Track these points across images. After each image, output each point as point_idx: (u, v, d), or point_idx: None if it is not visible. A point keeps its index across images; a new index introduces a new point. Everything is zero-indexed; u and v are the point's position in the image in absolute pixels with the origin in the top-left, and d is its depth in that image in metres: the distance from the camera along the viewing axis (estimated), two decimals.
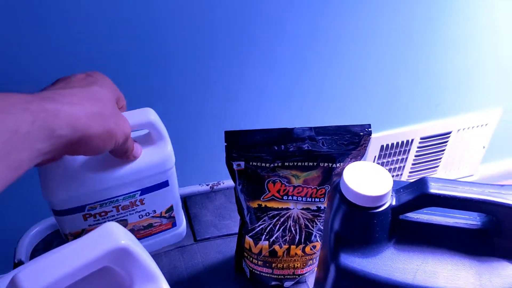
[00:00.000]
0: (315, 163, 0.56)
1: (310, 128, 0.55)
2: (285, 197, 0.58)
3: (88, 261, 0.33)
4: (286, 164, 0.56)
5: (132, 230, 0.60)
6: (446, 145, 1.40)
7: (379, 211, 0.41)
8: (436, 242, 0.42)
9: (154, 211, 0.61)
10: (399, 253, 0.41)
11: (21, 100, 0.34)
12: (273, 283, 0.65)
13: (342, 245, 0.41)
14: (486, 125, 1.40)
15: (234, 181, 0.58)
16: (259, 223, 0.59)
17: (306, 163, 0.56)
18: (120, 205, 0.57)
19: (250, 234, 0.60)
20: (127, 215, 0.59)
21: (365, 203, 0.40)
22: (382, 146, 1.31)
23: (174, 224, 0.66)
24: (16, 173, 0.33)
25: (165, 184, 0.60)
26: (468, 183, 0.41)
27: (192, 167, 0.94)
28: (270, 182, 0.57)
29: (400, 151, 1.35)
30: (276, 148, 0.55)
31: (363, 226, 0.41)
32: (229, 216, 0.77)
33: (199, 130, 0.99)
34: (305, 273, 0.64)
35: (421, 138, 1.34)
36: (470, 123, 1.37)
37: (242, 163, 0.56)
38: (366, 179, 0.41)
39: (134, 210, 0.59)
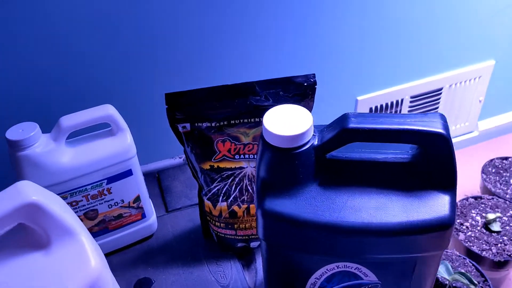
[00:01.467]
0: (261, 119, 0.55)
1: (253, 83, 0.54)
2: (236, 156, 0.57)
3: None
4: (232, 122, 0.55)
5: (103, 221, 0.63)
6: (439, 102, 1.38)
7: (300, 151, 0.40)
8: (363, 179, 0.41)
9: (122, 201, 0.63)
10: (325, 192, 0.41)
11: None
12: (239, 244, 0.65)
13: (267, 190, 0.41)
14: (479, 78, 1.37)
15: (182, 144, 0.58)
16: (214, 185, 0.59)
17: (252, 119, 0.55)
18: (89, 194, 0.59)
19: (207, 197, 0.60)
20: (96, 205, 0.61)
21: (285, 144, 0.40)
22: (371, 108, 1.29)
23: (143, 215, 0.67)
24: None
25: (129, 173, 0.62)
26: (391, 115, 0.40)
27: (164, 142, 0.94)
28: (219, 142, 0.56)
29: (390, 112, 1.33)
30: (220, 106, 0.54)
31: (286, 168, 0.41)
32: None
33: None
34: None
35: (411, 97, 1.32)
36: (461, 77, 1.34)
37: (188, 125, 0.55)
38: (286, 122, 0.40)
39: (102, 199, 0.61)
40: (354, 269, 0.42)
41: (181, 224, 0.71)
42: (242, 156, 0.57)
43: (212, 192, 0.60)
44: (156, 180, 0.80)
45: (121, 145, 0.60)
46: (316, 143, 0.41)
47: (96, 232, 0.63)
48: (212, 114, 0.55)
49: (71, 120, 0.56)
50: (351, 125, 0.39)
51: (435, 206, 0.39)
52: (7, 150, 0.55)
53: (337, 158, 0.42)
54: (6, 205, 0.34)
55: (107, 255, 0.60)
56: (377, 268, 0.42)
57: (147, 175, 0.79)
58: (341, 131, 0.39)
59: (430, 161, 0.40)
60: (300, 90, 0.55)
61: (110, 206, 0.62)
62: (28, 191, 0.35)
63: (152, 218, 0.68)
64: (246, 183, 0.59)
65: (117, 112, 0.60)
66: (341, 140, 0.40)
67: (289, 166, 0.40)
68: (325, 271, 0.43)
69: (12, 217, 0.34)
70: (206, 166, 0.58)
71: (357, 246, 0.40)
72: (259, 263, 0.65)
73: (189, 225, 0.71)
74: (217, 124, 0.55)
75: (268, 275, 0.46)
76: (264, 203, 0.41)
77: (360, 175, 0.41)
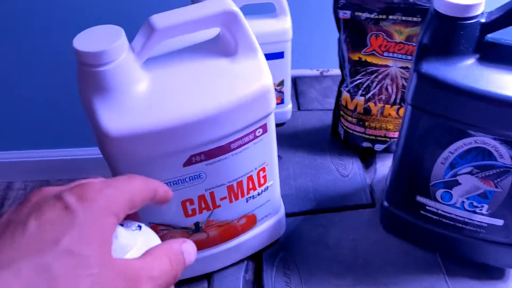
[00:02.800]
0: (419, 19, 0.58)
1: None
2: (385, 53, 0.61)
3: (205, 15, 0.41)
4: (391, 17, 0.59)
5: None
6: None
7: (466, 23, 0.43)
8: None
9: None
10: (482, 67, 0.43)
11: None
12: (365, 144, 0.69)
13: (425, 55, 0.44)
14: None
15: (339, 30, 0.62)
16: (357, 77, 0.64)
17: (410, 18, 0.58)
18: None
19: (347, 89, 0.65)
20: None
21: (455, 12, 0.43)
22: None
23: (282, 101, 0.74)
24: None
25: (281, 55, 0.68)
26: None
27: (305, 52, 1.00)
28: (373, 35, 0.60)
29: None
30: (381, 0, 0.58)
31: (450, 37, 0.43)
32: (333, 95, 0.82)
33: (313, 15, 1.01)
34: (396, 137, 0.68)
35: None
36: None
37: (348, 12, 0.60)
38: None
39: None
40: (491, 147, 0.44)
41: (311, 122, 0.77)
42: (390, 54, 0.61)
43: (353, 84, 0.64)
44: (293, 83, 0.86)
45: (280, 26, 0.66)
46: (483, 20, 0.43)
47: None
48: (372, 5, 0.58)
49: None
50: None
51: None
52: None
53: (497, 41, 0.44)
54: (212, 9, 0.41)
55: None
56: None
57: None
58: (510, 10, 0.41)
59: None
60: None
61: None
62: (230, 2, 0.42)
63: (289, 106, 0.75)
64: (387, 82, 0.63)
65: None
66: (509, 19, 0.42)
67: (453, 35, 0.43)
68: (461, 145, 0.46)
69: (214, 20, 0.42)
70: (355, 57, 0.62)
71: (504, 121, 0.42)
72: (379, 165, 0.69)
73: (318, 124, 0.77)
74: (376, 16, 0.59)
75: (404, 142, 0.50)
76: (421, 66, 0.44)
77: None
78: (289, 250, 0.57)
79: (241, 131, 0.43)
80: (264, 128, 0.46)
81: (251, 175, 0.48)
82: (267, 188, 0.51)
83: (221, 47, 0.44)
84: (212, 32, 0.45)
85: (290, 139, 0.73)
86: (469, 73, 0.43)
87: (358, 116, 0.66)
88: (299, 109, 0.80)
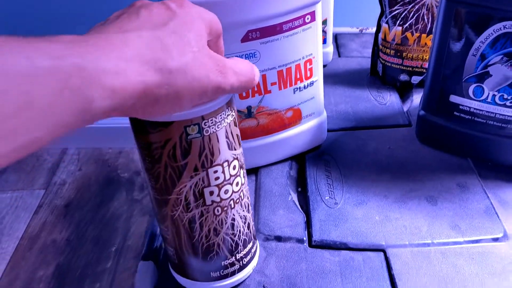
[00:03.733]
0: None
1: None
2: None
3: None
4: None
5: None
6: None
7: None
8: None
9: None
10: None
11: (45, 54, 0.23)
12: (402, 77, 0.74)
13: None
14: None
15: None
16: (396, 7, 0.69)
17: None
18: None
19: (386, 20, 0.71)
20: None
21: None
22: None
23: (324, 41, 0.79)
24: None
25: None
26: None
27: (346, 11, 1.06)
28: None
29: None
30: None
31: None
32: (371, 47, 0.88)
33: None
34: None
35: None
36: None
37: None
38: None
39: None
40: None
41: (350, 65, 0.83)
42: None
43: (391, 14, 0.70)
44: (334, 38, 0.92)
45: None
46: None
47: None
48: None
49: None
50: None
51: None
52: None
53: None
54: None
55: None
56: None
57: None
58: None
59: None
60: None
61: None
62: None
63: (329, 47, 0.81)
64: (423, 12, 0.68)
65: None
66: None
67: None
68: (491, 33, 0.50)
69: None
70: None
71: None
72: (415, 97, 0.73)
73: (357, 67, 0.82)
74: None
75: (439, 40, 0.54)
76: None
77: None
78: (330, 154, 0.62)
79: (292, 12, 0.50)
80: (312, 16, 0.52)
81: (299, 64, 0.54)
82: (312, 83, 0.56)
83: None
84: None
85: (331, 78, 0.79)
86: None
87: (396, 47, 0.71)
88: (339, 56, 0.86)
